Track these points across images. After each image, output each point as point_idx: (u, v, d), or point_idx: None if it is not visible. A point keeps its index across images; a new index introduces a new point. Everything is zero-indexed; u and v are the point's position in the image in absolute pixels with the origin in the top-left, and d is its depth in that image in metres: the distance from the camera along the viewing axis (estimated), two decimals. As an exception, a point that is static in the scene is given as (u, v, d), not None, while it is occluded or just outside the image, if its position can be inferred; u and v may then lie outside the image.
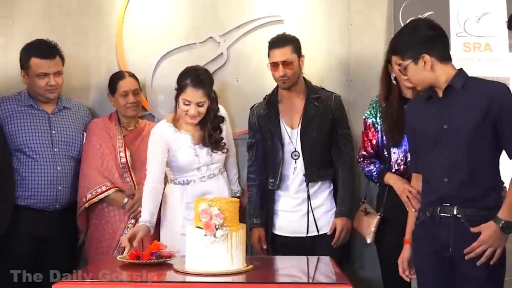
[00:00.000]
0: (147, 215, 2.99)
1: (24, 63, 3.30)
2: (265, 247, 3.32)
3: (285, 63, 3.20)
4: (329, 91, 3.37)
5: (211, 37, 3.63)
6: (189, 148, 3.18)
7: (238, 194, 3.38)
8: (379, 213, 3.16)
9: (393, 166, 3.09)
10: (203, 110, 3.12)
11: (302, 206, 3.27)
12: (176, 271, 2.57)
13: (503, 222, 2.38)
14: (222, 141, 3.23)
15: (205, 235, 2.50)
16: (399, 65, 2.57)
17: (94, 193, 3.28)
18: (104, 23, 3.68)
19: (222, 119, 3.26)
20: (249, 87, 3.60)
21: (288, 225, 3.31)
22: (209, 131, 3.17)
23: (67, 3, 3.69)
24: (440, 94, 2.53)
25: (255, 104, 3.43)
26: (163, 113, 3.56)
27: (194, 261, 2.55)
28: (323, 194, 3.30)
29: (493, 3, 3.50)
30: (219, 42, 3.62)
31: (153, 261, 2.68)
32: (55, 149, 3.29)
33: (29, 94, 3.35)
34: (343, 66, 3.61)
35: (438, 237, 2.49)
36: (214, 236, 2.49)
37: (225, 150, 3.24)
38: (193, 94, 3.06)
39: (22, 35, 3.63)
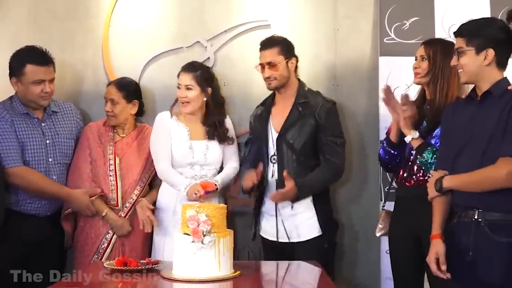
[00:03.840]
0: (185, 179, 3.17)
1: (17, 70, 3.22)
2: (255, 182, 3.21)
3: (270, 65, 3.19)
4: (323, 97, 3.28)
5: (198, 42, 3.63)
6: (184, 141, 3.26)
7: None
8: (382, 207, 3.19)
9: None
10: (190, 94, 3.25)
11: (280, 211, 3.20)
12: (163, 278, 2.56)
13: None
14: (228, 133, 3.33)
15: (192, 241, 2.50)
16: (459, 48, 2.55)
17: None
18: (90, 26, 3.66)
19: (225, 115, 3.38)
20: (236, 91, 3.59)
21: (270, 229, 3.28)
22: (216, 124, 3.30)
23: (53, 7, 3.67)
24: (479, 97, 2.54)
25: (260, 103, 3.41)
26: (149, 117, 3.55)
27: (181, 268, 2.55)
28: (303, 202, 3.20)
29: (478, 9, 3.49)
30: (206, 47, 3.62)
31: (140, 267, 2.65)
32: (50, 159, 3.27)
33: (20, 101, 3.28)
34: (330, 70, 3.61)
35: (459, 242, 2.50)
36: (202, 242, 2.49)
37: (231, 141, 3.35)
38: (183, 77, 3.27)
39: (7, 39, 3.61)
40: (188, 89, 3.25)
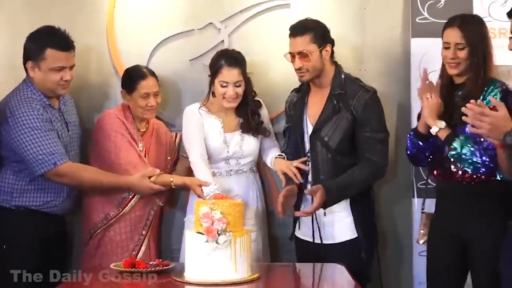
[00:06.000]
0: (207, 188, 2.95)
1: (36, 55, 2.96)
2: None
3: (301, 55, 2.95)
4: (362, 85, 3.02)
5: (211, 23, 3.42)
6: (218, 134, 3.15)
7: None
8: (422, 209, 3.00)
9: None
10: (240, 90, 3.09)
11: (316, 212, 2.96)
12: (175, 281, 2.48)
13: None
14: (263, 125, 3.20)
15: (206, 241, 2.40)
16: None
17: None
18: (94, 7, 3.45)
19: (259, 104, 3.22)
20: (253, 76, 3.29)
21: (304, 228, 3.07)
22: (249, 115, 3.15)
23: (53, -14, 3.49)
24: None
25: (296, 88, 3.20)
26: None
27: (194, 270, 2.46)
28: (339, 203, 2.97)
29: (520, -16, 3.33)
30: (219, 29, 3.42)
31: (150, 269, 2.56)
32: (72, 153, 3.09)
33: (37, 89, 3.02)
34: (356, 54, 3.41)
35: None
36: (216, 242, 2.40)
37: (268, 133, 3.22)
38: (229, 73, 3.06)
39: (3, 24, 3.41)
40: (237, 86, 3.06)
